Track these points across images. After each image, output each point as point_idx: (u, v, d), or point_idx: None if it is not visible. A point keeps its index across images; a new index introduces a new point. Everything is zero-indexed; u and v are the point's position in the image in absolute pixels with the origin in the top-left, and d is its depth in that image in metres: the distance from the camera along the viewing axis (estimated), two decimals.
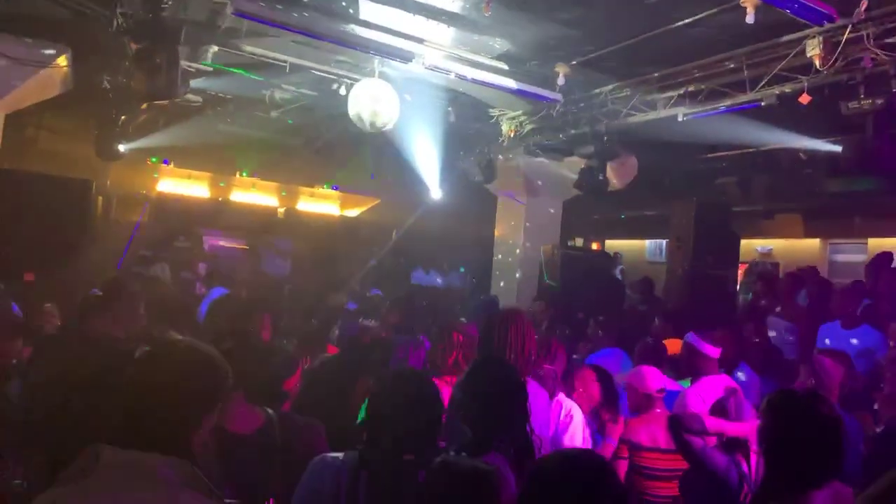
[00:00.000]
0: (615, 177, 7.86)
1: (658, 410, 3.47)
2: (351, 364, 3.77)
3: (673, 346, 4.55)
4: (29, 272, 5.43)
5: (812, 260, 10.00)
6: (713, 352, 3.74)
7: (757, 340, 5.19)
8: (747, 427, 2.83)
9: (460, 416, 2.42)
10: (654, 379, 3.56)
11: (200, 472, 1.56)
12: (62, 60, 6.33)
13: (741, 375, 4.28)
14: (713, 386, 3.54)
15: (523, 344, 3.23)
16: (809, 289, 6.45)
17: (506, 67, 6.39)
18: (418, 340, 4.57)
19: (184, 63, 5.35)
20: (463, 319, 5.61)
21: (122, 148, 7.48)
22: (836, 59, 4.69)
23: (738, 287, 7.90)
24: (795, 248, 11.05)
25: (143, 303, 3.16)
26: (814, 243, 10.99)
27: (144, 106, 6.61)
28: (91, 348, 2.64)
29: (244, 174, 11.60)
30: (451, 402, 2.67)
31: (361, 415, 2.67)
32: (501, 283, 9.29)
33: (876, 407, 3.66)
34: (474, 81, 6.42)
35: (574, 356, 5.03)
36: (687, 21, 5.02)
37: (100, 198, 7.83)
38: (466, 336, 3.78)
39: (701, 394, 3.50)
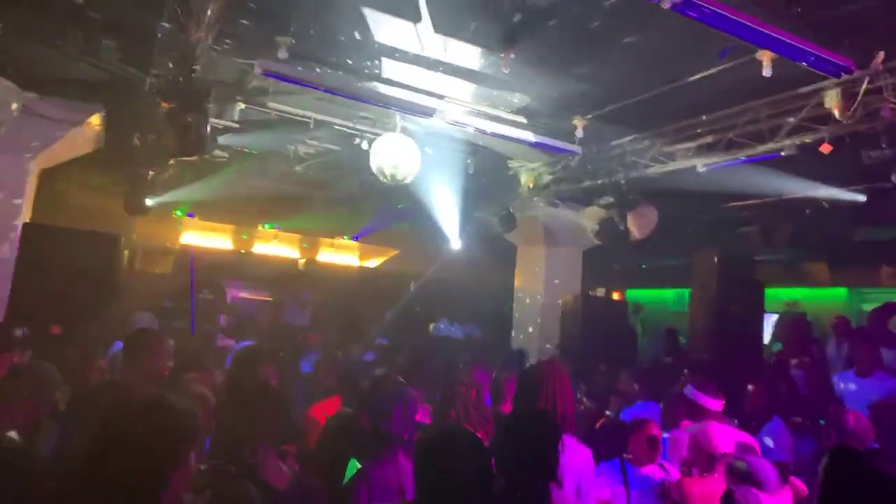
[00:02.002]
0: (635, 227, 7.85)
1: (717, 475, 3.30)
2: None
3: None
4: (56, 325, 5.51)
5: (840, 309, 9.82)
6: (714, 404, 3.65)
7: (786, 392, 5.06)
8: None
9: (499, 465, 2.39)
10: (722, 439, 3.41)
11: None
12: (95, 119, 6.57)
13: (768, 441, 4.14)
14: (722, 433, 3.44)
15: (565, 400, 3.22)
16: (839, 339, 6.32)
17: (524, 121, 6.49)
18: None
19: (212, 120, 5.52)
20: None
21: (149, 202, 7.66)
22: (855, 110, 4.70)
23: (766, 338, 7.76)
24: (822, 297, 10.87)
25: (170, 355, 3.18)
26: (841, 292, 10.80)
27: (172, 162, 6.81)
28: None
29: (266, 226, 11.78)
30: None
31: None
32: (522, 335, 9.20)
33: None
34: (493, 135, 6.53)
35: (607, 412, 4.95)
36: (703, 74, 5.09)
37: (125, 251, 7.99)
38: (471, 386, 3.78)
39: (710, 439, 3.38)
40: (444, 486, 2.05)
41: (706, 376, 5.73)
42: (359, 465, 2.89)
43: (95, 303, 6.04)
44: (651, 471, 3.57)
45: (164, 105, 5.01)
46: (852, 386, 5.04)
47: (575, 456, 3.16)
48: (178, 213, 10.55)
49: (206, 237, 11.45)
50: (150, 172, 7.12)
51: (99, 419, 1.63)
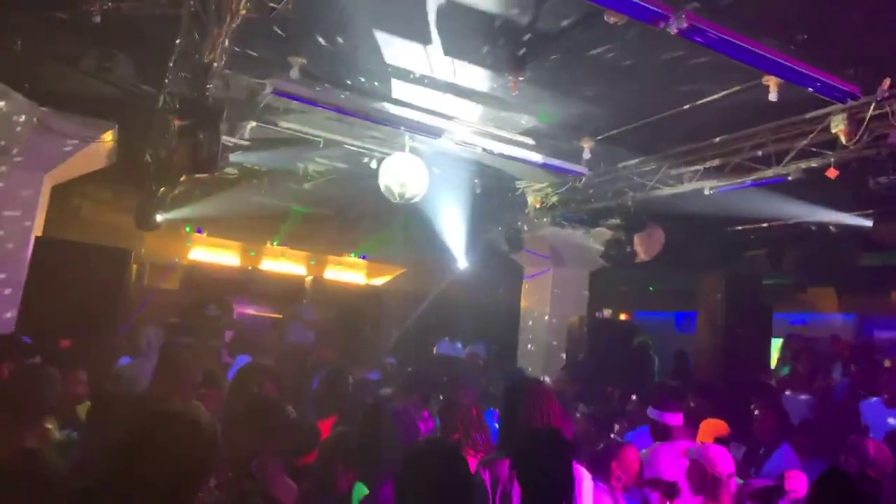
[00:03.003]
0: (642, 249, 7.86)
1: (725, 499, 3.27)
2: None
3: (712, 426, 4.42)
4: (65, 339, 5.54)
5: (847, 335, 9.75)
6: (675, 419, 3.67)
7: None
8: None
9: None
10: (726, 461, 3.39)
11: None
12: (108, 135, 6.67)
13: (780, 456, 4.11)
14: (721, 453, 3.43)
15: (549, 419, 3.22)
16: (845, 363, 6.28)
17: (532, 142, 6.55)
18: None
19: (223, 138, 5.59)
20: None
21: (159, 218, 7.73)
22: (861, 135, 4.72)
23: (774, 361, 7.71)
24: (829, 322, 10.79)
25: (195, 371, 3.21)
26: (848, 318, 10.72)
27: (183, 178, 6.88)
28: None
29: (274, 243, 11.84)
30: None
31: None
32: (528, 354, 9.18)
33: None
34: (501, 156, 6.58)
35: (612, 434, 4.92)
36: (710, 98, 5.13)
37: (134, 266, 8.05)
38: (472, 406, 3.81)
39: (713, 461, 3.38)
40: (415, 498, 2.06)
41: (712, 400, 5.72)
42: (366, 491, 2.87)
43: (105, 317, 6.08)
44: (634, 495, 3.54)
45: (177, 122, 5.08)
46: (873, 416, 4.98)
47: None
48: (187, 228, 10.62)
49: (213, 253, 11.51)
50: (161, 189, 7.19)
51: (127, 429, 1.63)
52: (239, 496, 2.06)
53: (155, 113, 5.76)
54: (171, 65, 5.02)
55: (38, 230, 6.61)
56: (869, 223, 5.96)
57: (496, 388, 6.82)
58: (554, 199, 7.97)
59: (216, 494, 2.15)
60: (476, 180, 7.76)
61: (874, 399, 5.11)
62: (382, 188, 6.55)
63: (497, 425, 4.36)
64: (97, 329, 5.91)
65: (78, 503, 1.69)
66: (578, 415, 5.15)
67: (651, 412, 3.78)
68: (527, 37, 4.53)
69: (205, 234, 11.01)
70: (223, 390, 3.86)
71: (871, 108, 4.59)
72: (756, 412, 4.61)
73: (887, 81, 4.41)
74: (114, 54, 5.42)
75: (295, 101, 5.67)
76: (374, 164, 6.93)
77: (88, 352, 5.03)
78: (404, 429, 3.31)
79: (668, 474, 3.41)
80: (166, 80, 5.31)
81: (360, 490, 2.88)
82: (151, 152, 6.64)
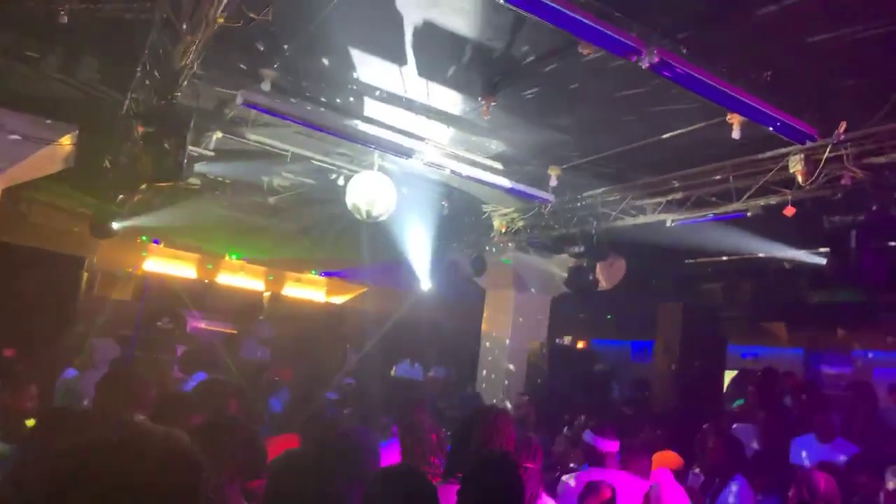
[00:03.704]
0: (603, 277, 7.97)
1: None
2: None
3: (666, 458, 4.46)
4: (9, 348, 5.28)
5: (796, 370, 10.03)
6: (610, 446, 3.74)
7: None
8: None
9: None
10: (674, 498, 3.45)
11: None
12: (67, 139, 6.46)
13: (734, 488, 4.16)
14: (674, 492, 3.48)
15: (506, 445, 3.22)
16: (794, 396, 6.43)
17: (501, 167, 6.61)
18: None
19: (188, 147, 5.47)
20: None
21: (115, 226, 7.50)
22: (817, 176, 4.91)
23: (724, 392, 7.84)
24: (779, 356, 11.08)
25: (148, 387, 3.08)
26: (797, 353, 11.04)
27: (144, 187, 6.70)
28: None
29: (233, 257, 11.60)
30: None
31: None
32: (487, 378, 9.15)
33: None
34: (469, 179, 6.61)
35: (571, 464, 4.92)
36: (676, 133, 5.27)
37: (85, 274, 7.77)
38: (432, 431, 3.79)
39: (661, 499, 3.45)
40: None
41: (665, 428, 5.78)
42: None
43: (52, 326, 5.81)
44: None
45: (141, 129, 4.95)
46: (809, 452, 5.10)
47: None
48: (143, 238, 10.33)
49: (169, 264, 11.21)
50: (120, 196, 6.98)
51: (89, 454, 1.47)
52: None
53: (118, 118, 5.61)
54: (138, 70, 4.92)
55: None
56: (822, 260, 6.17)
57: (453, 411, 6.78)
58: (520, 223, 8.04)
59: None
60: (444, 202, 7.77)
61: (810, 435, 5.24)
62: (349, 206, 6.50)
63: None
64: (45, 339, 5.64)
65: None
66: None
67: (587, 436, 3.83)
68: (501, 63, 4.58)
69: (161, 245, 10.72)
70: None
71: (828, 150, 4.78)
72: (709, 442, 4.68)
73: (843, 125, 4.60)
74: (78, 56, 5.28)
75: (265, 114, 5.61)
76: (341, 181, 6.89)
77: (35, 362, 4.80)
78: (371, 455, 3.24)
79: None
80: (132, 85, 5.20)
81: None
82: (111, 158, 6.46)
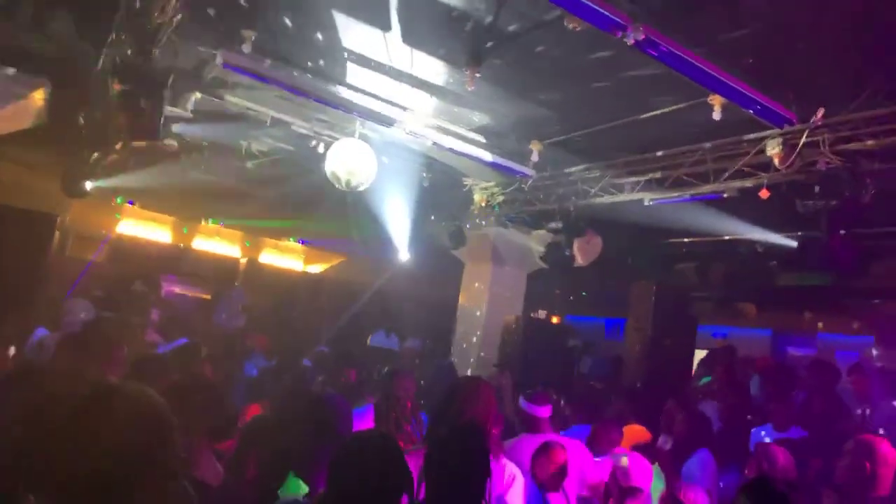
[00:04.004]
0: (580, 254, 8.03)
1: None
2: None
3: (634, 432, 4.56)
4: None
5: (763, 350, 10.28)
6: (543, 412, 3.87)
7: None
8: None
9: (426, 483, 2.38)
10: (643, 473, 3.56)
11: None
12: (39, 94, 6.27)
13: (698, 459, 4.29)
14: (641, 467, 3.62)
15: (486, 414, 3.27)
16: (763, 380, 6.58)
17: (483, 140, 6.59)
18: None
19: (166, 107, 5.36)
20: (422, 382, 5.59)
21: (88, 186, 7.34)
22: (793, 160, 4.98)
23: (693, 370, 8.03)
24: (748, 337, 11.34)
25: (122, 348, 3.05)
26: (765, 333, 11.31)
27: (119, 146, 6.55)
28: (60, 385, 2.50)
29: (210, 222, 11.46)
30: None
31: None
32: (461, 350, 9.23)
33: None
34: (451, 151, 6.59)
35: None
36: (657, 112, 5.30)
37: (57, 233, 7.63)
38: (406, 398, 3.87)
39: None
40: (348, 493, 2.03)
41: (635, 403, 5.91)
42: (301, 484, 2.78)
43: (23, 287, 5.70)
44: (556, 499, 3.62)
45: (117, 86, 4.83)
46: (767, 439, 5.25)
47: (501, 475, 3.20)
48: (118, 199, 10.15)
49: (144, 227, 11.04)
50: (94, 155, 6.83)
51: (60, 409, 1.46)
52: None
53: (93, 74, 5.46)
54: (114, 25, 4.78)
55: None
56: (793, 243, 6.30)
57: (427, 381, 6.86)
58: (500, 198, 8.05)
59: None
60: (424, 173, 7.74)
61: (767, 424, 5.38)
62: (328, 174, 6.44)
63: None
64: (15, 298, 5.54)
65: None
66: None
67: (521, 403, 3.95)
68: (487, 33, 4.54)
69: (136, 206, 10.55)
70: None
71: (805, 135, 4.84)
72: (676, 416, 4.80)
73: (821, 111, 4.67)
74: (52, 8, 5.11)
75: (245, 76, 5.51)
76: (321, 149, 6.81)
77: (6, 321, 4.72)
78: (343, 420, 3.27)
79: (527, 463, 3.54)
80: (108, 41, 5.05)
81: (294, 484, 2.80)
82: (85, 115, 6.30)
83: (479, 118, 6.19)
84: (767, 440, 5.15)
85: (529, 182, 7.45)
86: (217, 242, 11.98)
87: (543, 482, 3.52)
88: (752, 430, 5.38)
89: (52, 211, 6.77)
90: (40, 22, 5.26)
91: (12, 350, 3.78)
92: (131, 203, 10.41)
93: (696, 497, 3.03)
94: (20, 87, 6.09)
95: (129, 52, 4.64)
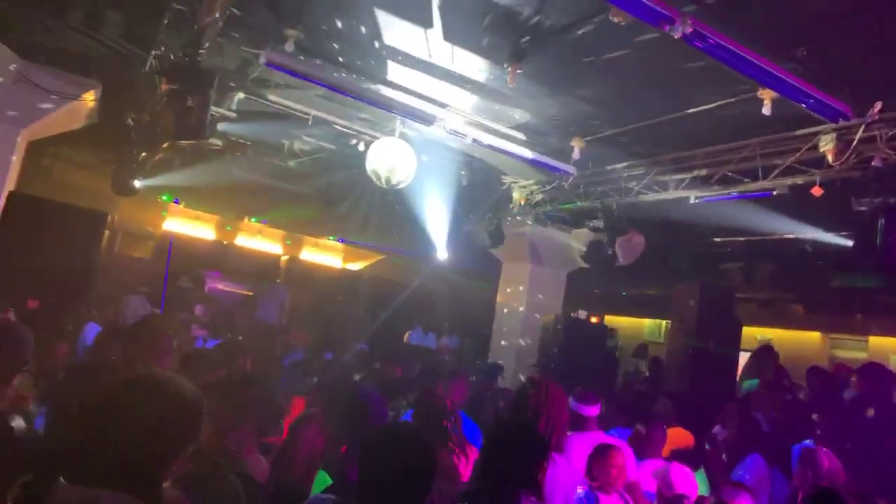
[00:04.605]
0: (622, 253, 7.90)
1: None
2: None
3: (678, 435, 4.46)
4: (34, 299, 5.36)
5: (813, 353, 9.96)
6: (591, 411, 3.84)
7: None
8: None
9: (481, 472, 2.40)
10: (686, 483, 3.49)
11: None
12: (90, 95, 6.47)
13: (748, 462, 4.17)
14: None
15: (560, 415, 3.26)
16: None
17: (523, 137, 6.53)
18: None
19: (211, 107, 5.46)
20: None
21: (137, 184, 7.55)
22: (848, 156, 4.79)
23: (739, 373, 7.81)
24: (796, 339, 11.00)
25: (169, 339, 3.13)
26: (814, 336, 10.95)
27: (166, 145, 6.72)
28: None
29: (252, 220, 11.67)
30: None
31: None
32: (500, 348, 9.19)
33: None
34: (491, 148, 6.55)
35: None
36: (703, 108, 5.16)
37: (106, 231, 7.85)
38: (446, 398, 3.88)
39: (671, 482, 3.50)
40: (374, 482, 2.03)
41: (679, 406, 5.77)
42: (329, 480, 2.80)
43: (76, 282, 5.88)
44: (613, 500, 3.58)
45: (165, 86, 4.95)
46: None
47: (563, 475, 3.16)
48: (165, 198, 10.41)
49: (189, 225, 11.32)
50: (142, 154, 7.01)
51: (98, 396, 1.55)
52: (213, 468, 2.00)
53: (142, 74, 5.60)
54: (163, 26, 4.89)
55: (11, 185, 6.40)
56: (849, 243, 6.06)
57: (478, 381, 6.83)
58: (539, 196, 7.97)
59: (187, 465, 2.09)
60: (463, 171, 7.72)
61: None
62: (369, 172, 6.48)
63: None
64: (67, 293, 5.72)
65: (44, 467, 1.62)
66: None
67: (571, 403, 3.91)
68: (529, 29, 4.49)
69: (182, 205, 10.81)
70: None
71: (861, 130, 4.65)
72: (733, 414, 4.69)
73: (878, 105, 4.47)
74: (103, 10, 5.25)
75: (287, 75, 5.56)
76: (361, 147, 6.85)
77: (57, 315, 4.87)
78: (378, 415, 3.28)
79: (578, 461, 3.49)
80: (157, 42, 5.18)
81: (324, 479, 2.82)
82: (135, 115, 6.48)
83: (519, 115, 6.13)
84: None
85: (570, 180, 7.35)
86: (259, 240, 12.21)
87: (602, 484, 3.51)
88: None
89: (103, 209, 6.95)
90: (91, 24, 5.42)
91: (64, 347, 3.90)
92: (177, 202, 10.67)
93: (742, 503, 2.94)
94: (73, 87, 6.30)
95: (176, 52, 4.75)
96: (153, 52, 5.33)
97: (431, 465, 2.09)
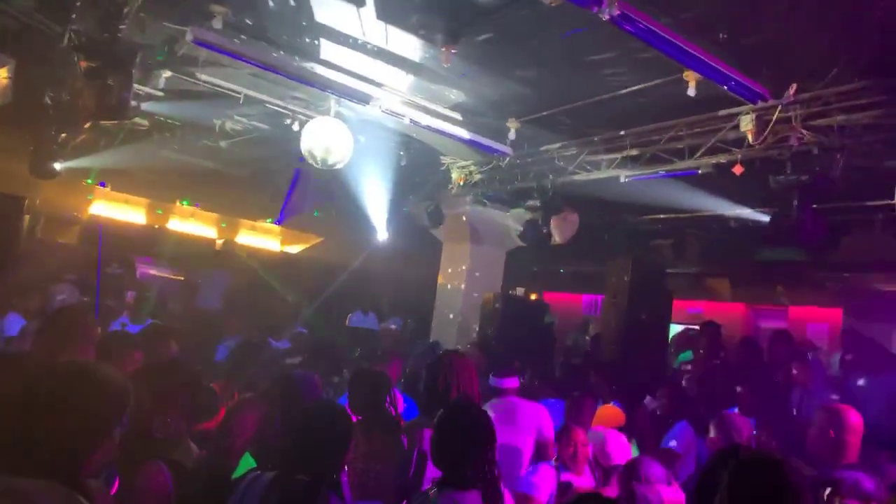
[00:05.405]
0: (557, 231, 8.07)
1: (613, 483, 3.50)
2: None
3: (610, 415, 4.62)
4: None
5: (737, 323, 10.48)
6: (510, 383, 4.05)
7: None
8: None
9: (436, 457, 2.50)
10: (618, 451, 3.67)
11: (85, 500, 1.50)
12: (3, 72, 6.09)
13: (673, 444, 4.37)
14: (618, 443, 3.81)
15: (471, 385, 3.36)
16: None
17: (460, 118, 6.55)
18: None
19: (135, 86, 5.24)
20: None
21: (57, 166, 7.18)
22: (766, 136, 5.04)
23: (669, 345, 8.15)
24: (722, 311, 11.52)
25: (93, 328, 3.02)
26: (739, 308, 11.50)
27: (87, 125, 6.40)
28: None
29: (184, 203, 11.29)
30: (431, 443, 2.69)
31: None
32: (441, 328, 9.27)
33: None
34: (428, 129, 6.55)
35: None
36: (633, 89, 5.31)
37: (27, 216, 7.45)
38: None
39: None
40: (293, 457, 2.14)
41: (611, 378, 5.99)
42: (253, 462, 2.80)
43: None
44: (574, 478, 3.72)
45: (83, 64, 4.70)
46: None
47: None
48: (89, 181, 9.94)
49: (118, 209, 10.85)
50: (62, 134, 6.66)
51: (20, 385, 1.53)
52: (140, 454, 1.97)
53: (59, 51, 5.30)
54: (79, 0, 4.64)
55: None
56: (766, 218, 6.38)
57: (413, 361, 6.87)
58: (477, 176, 8.04)
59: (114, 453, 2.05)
60: (401, 152, 7.69)
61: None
62: (304, 152, 6.37)
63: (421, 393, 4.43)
64: None
65: None
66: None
67: (491, 380, 4.07)
68: (463, 9, 4.49)
69: (108, 188, 10.34)
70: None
71: (778, 111, 4.89)
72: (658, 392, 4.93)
73: (794, 87, 4.71)
74: None
75: (216, 53, 5.39)
76: (296, 127, 6.73)
77: None
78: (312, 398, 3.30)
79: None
80: (73, 17, 4.91)
81: (248, 461, 2.81)
82: (52, 94, 6.14)
83: (455, 95, 6.15)
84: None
85: (507, 160, 7.44)
86: (192, 223, 11.83)
87: (564, 461, 3.66)
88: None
89: (20, 193, 6.59)
90: None
91: None
92: (103, 185, 10.21)
93: (652, 471, 3.08)
94: None
95: (95, 28, 4.52)
96: (69, 27, 5.05)
97: (346, 433, 2.18)
